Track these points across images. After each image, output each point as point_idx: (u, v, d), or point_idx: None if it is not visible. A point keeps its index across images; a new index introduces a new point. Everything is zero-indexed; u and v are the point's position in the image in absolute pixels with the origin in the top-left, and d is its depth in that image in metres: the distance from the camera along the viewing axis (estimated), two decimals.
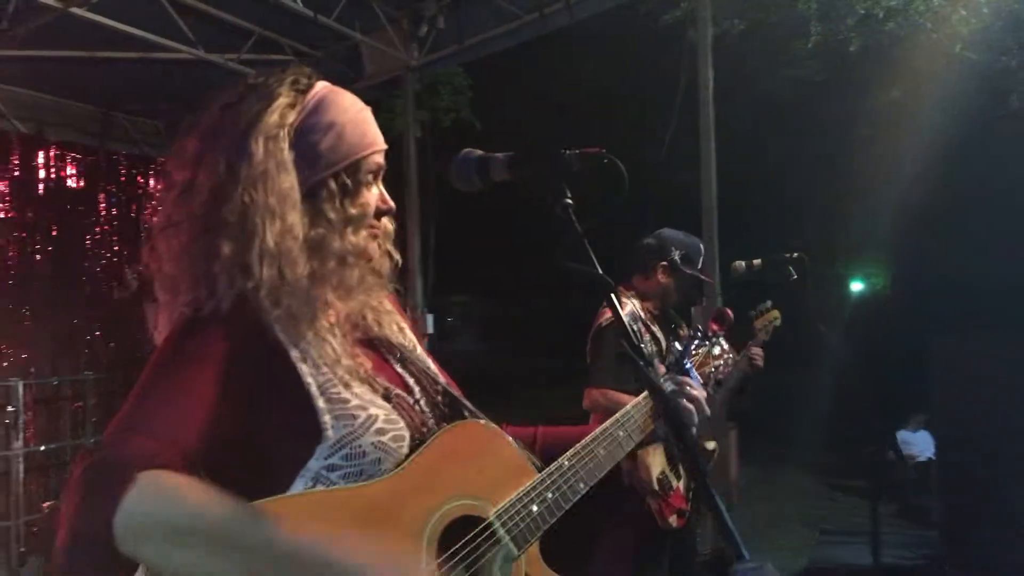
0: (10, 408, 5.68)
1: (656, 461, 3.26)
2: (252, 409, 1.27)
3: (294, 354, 1.31)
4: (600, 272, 1.26)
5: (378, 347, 1.49)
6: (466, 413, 1.52)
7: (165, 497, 1.10)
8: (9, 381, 5.78)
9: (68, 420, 6.45)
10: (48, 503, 5.63)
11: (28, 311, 6.30)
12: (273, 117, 1.36)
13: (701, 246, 3.59)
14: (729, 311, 3.59)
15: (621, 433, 1.64)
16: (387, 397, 1.38)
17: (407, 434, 1.36)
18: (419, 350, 1.58)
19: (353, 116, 1.43)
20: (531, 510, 1.43)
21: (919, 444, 8.80)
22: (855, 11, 9.18)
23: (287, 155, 1.35)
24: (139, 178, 7.30)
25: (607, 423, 1.65)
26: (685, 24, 8.71)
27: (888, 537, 6.12)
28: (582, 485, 1.52)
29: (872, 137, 11.22)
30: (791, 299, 3.69)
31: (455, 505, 1.37)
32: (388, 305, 1.56)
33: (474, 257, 19.42)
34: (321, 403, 1.29)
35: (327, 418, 1.28)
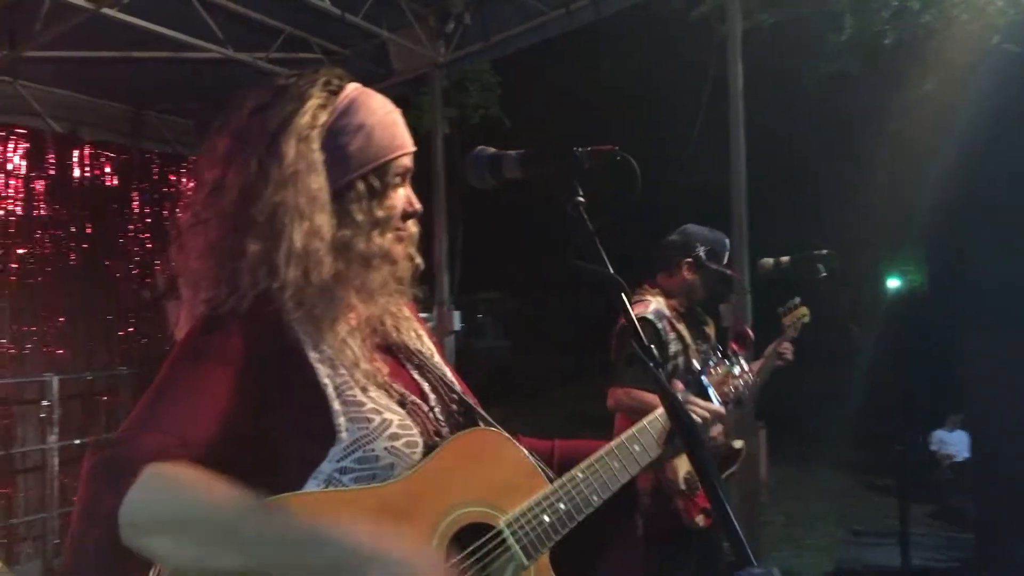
0: (45, 402, 5.79)
1: (683, 460, 3.23)
2: (267, 408, 1.27)
3: (313, 355, 1.31)
4: (611, 271, 1.24)
5: (396, 353, 1.49)
6: (481, 423, 1.52)
7: (168, 489, 1.11)
8: (44, 376, 5.90)
9: (102, 414, 6.56)
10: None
11: (63, 307, 6.41)
12: (305, 118, 1.36)
13: (727, 241, 3.54)
14: (750, 332, 3.56)
15: (637, 447, 1.63)
16: (402, 403, 1.38)
17: (420, 440, 1.35)
18: (436, 358, 1.58)
19: (382, 118, 1.43)
20: (542, 520, 1.42)
21: (956, 444, 8.66)
22: (890, 3, 9.01)
23: (317, 156, 1.36)
24: (171, 176, 7.39)
25: (623, 436, 1.64)
26: (714, 19, 8.61)
27: (922, 539, 6.04)
28: (595, 498, 1.50)
29: (907, 131, 11.01)
30: (822, 296, 3.63)
31: (466, 511, 1.36)
32: (407, 312, 1.56)
33: (503, 254, 19.43)
34: (337, 405, 1.29)
35: (342, 420, 1.28)
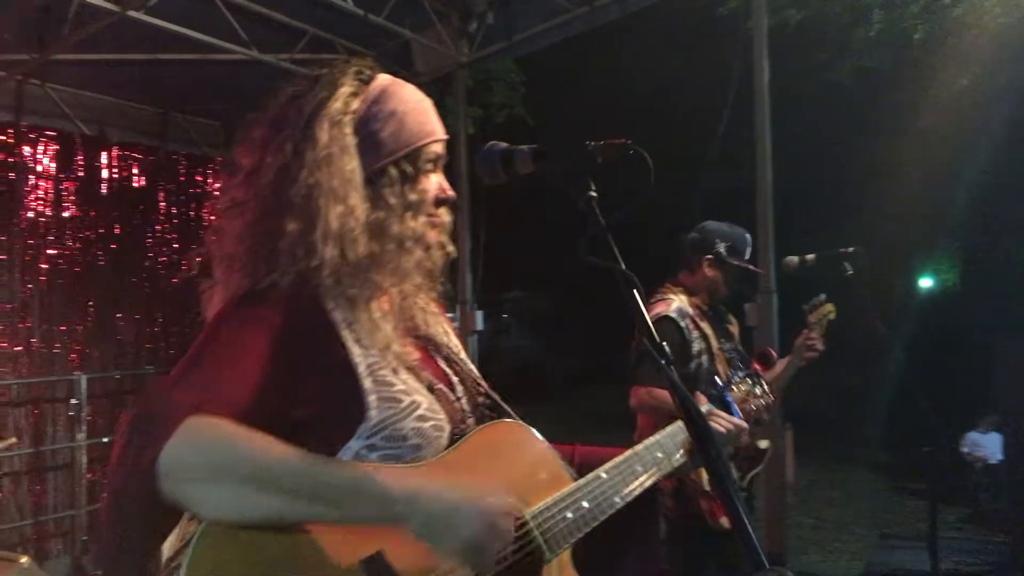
0: (74, 401, 5.88)
1: None
2: (300, 381, 1.29)
3: (346, 334, 1.34)
4: (623, 267, 1.22)
5: (425, 344, 1.51)
6: (507, 418, 1.53)
7: (207, 437, 1.13)
8: (73, 375, 5.99)
9: None
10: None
11: (92, 307, 6.49)
12: (337, 104, 1.41)
13: (748, 237, 3.48)
14: (773, 352, 3.50)
15: (659, 454, 1.65)
16: (431, 388, 1.40)
17: (447, 427, 1.38)
18: (463, 354, 1.60)
19: (414, 106, 1.46)
20: (566, 516, 1.42)
21: (990, 446, 8.49)
22: None
23: (350, 140, 1.40)
24: (197, 177, 7.45)
25: (646, 441, 1.65)
26: (741, 15, 8.53)
27: (955, 543, 5.93)
28: (618, 499, 1.51)
29: (939, 129, 10.84)
30: (850, 295, 3.56)
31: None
32: (435, 308, 1.59)
33: (529, 254, 19.41)
34: (368, 383, 1.31)
35: (372, 398, 1.30)
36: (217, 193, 1.50)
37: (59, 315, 6.26)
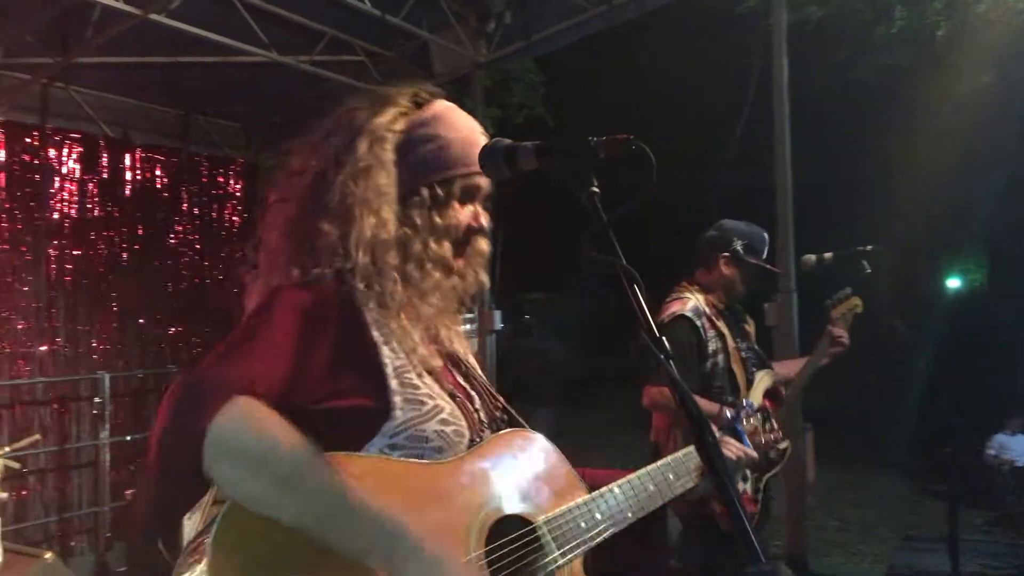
0: (97, 399, 5.96)
1: None
2: (338, 373, 1.33)
3: (377, 335, 1.39)
4: (624, 262, 1.22)
5: (446, 359, 1.55)
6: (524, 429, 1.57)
7: (253, 424, 1.18)
8: (96, 374, 6.07)
9: (152, 411, 6.72)
10: (130, 491, 5.88)
11: (115, 307, 6.58)
12: (383, 119, 1.48)
13: (765, 235, 3.46)
14: (782, 390, 3.46)
15: (671, 476, 1.69)
16: (452, 396, 1.45)
17: (467, 433, 1.42)
18: (482, 374, 1.65)
19: (465, 135, 1.52)
20: (579, 525, 1.46)
21: (1017, 448, 8.38)
22: None
23: (389, 156, 1.46)
24: (219, 178, 7.54)
25: (659, 463, 1.69)
26: (761, 13, 8.46)
27: (981, 546, 5.85)
28: (630, 515, 1.55)
29: (964, 126, 10.68)
30: (871, 294, 3.52)
31: (507, 504, 1.41)
32: (459, 329, 1.63)
33: (550, 255, 19.36)
34: (395, 384, 1.35)
35: (398, 399, 1.34)
36: (274, 181, 1.59)
37: (83, 315, 6.36)
